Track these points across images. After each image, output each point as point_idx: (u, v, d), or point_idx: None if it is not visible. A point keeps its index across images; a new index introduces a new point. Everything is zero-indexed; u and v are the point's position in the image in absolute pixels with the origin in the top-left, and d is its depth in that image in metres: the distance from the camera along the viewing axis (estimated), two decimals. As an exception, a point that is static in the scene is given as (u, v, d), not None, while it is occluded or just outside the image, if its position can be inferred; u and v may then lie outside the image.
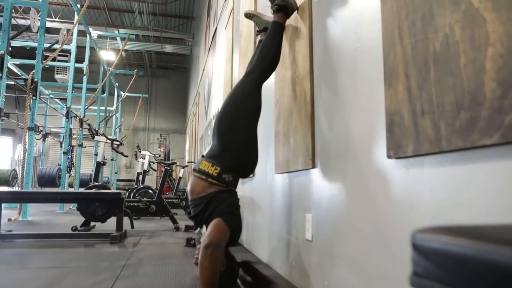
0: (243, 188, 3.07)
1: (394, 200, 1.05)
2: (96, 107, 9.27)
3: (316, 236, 1.60)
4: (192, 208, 1.72)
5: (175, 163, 5.12)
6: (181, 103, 15.67)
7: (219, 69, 5.16)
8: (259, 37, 2.12)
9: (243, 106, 1.76)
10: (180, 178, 7.03)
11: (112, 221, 3.43)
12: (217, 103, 5.13)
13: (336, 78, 1.46)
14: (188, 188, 1.75)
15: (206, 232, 1.54)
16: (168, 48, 12.19)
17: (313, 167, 1.63)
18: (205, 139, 6.71)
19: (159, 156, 8.02)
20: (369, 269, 1.16)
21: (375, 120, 1.16)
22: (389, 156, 1.06)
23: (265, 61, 1.81)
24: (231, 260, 1.69)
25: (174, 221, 4.17)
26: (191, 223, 4.28)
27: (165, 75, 15.93)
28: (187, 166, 7.70)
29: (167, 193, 8.78)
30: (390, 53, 1.07)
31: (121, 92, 11.59)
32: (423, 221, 0.92)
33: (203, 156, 1.83)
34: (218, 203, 1.63)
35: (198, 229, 1.69)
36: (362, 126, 1.24)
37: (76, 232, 3.45)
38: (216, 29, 5.89)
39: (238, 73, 3.47)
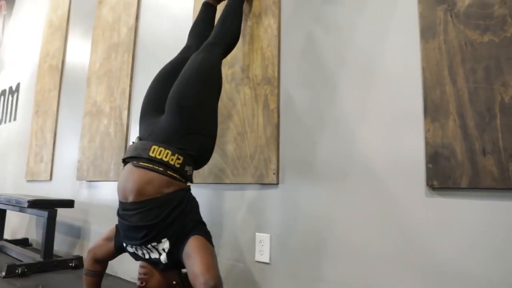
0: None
1: (424, 230, 1.13)
2: None
3: (278, 258, 1.48)
4: (137, 214, 1.22)
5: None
6: None
7: (27, 37, 3.89)
8: None
9: (211, 80, 1.40)
10: None
11: None
12: (20, 75, 3.85)
13: (332, 86, 1.42)
14: (129, 186, 1.23)
15: (198, 265, 1.11)
16: None
17: (277, 182, 1.52)
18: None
19: None
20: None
21: (399, 145, 1.21)
22: (431, 186, 1.13)
23: (228, 35, 1.53)
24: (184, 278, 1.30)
25: None
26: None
27: None
28: None
29: None
30: (436, 90, 1.15)
31: None
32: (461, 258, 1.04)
33: (140, 138, 1.34)
34: (183, 208, 1.23)
35: (150, 245, 1.22)
36: (376, 149, 1.26)
37: None
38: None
39: (92, 58, 2.76)
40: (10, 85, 3.93)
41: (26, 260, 2.36)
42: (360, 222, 1.27)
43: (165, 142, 1.27)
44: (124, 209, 1.27)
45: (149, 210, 1.21)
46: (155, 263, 1.25)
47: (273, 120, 1.55)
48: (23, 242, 3.01)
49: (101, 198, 2.43)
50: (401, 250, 1.17)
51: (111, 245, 1.39)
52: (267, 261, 1.51)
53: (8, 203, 2.47)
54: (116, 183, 2.31)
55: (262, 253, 1.53)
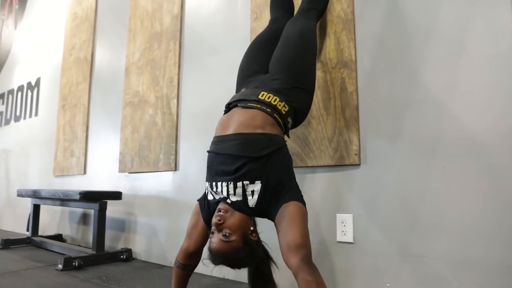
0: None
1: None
2: None
3: (363, 238, 1.50)
4: (238, 144, 1.18)
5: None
6: None
7: (45, 31, 3.81)
8: None
9: (312, 43, 1.51)
10: None
11: None
12: (40, 69, 3.76)
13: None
14: (232, 121, 1.25)
15: (297, 235, 1.06)
16: None
17: (359, 163, 1.54)
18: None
19: None
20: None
21: (497, 118, 1.24)
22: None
23: (321, 1, 1.65)
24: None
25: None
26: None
27: None
28: None
29: None
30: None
31: None
32: None
33: (245, 89, 1.40)
34: (283, 156, 1.21)
35: (242, 182, 1.15)
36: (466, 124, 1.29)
37: None
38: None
39: (129, 48, 2.72)
40: (28, 80, 3.83)
41: (73, 254, 2.32)
42: (457, 196, 1.30)
43: (273, 91, 1.31)
44: (222, 140, 1.23)
45: (251, 142, 1.18)
46: (238, 207, 1.17)
47: (353, 102, 1.57)
48: (57, 238, 2.96)
49: (148, 190, 2.41)
50: (502, 221, 1.20)
51: (200, 224, 1.32)
52: (351, 240, 1.53)
53: (52, 197, 2.43)
54: (167, 173, 2.30)
55: (345, 233, 1.55)
